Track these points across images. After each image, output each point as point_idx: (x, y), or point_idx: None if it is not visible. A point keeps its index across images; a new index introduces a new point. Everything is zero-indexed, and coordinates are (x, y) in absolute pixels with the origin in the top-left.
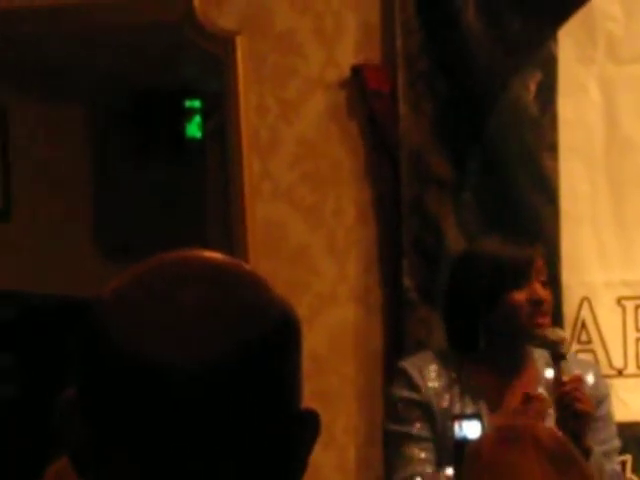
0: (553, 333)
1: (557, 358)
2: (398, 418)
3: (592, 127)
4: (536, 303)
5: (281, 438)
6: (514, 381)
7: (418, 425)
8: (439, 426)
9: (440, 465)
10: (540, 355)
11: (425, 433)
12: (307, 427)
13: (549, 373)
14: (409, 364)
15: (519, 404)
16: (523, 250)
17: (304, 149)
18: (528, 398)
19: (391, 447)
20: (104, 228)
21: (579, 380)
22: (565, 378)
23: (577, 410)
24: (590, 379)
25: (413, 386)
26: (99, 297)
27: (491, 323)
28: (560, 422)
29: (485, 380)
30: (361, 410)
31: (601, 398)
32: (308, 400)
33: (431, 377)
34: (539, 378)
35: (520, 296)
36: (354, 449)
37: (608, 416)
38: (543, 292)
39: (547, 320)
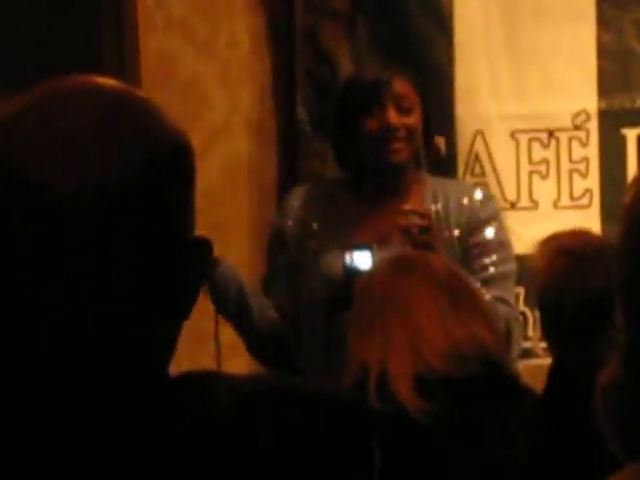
0: None
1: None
2: (267, 247)
3: None
4: (387, 129)
5: (172, 263)
6: (383, 209)
7: (276, 255)
8: (292, 253)
9: (295, 293)
10: (439, 188)
11: (277, 264)
12: (199, 254)
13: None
14: (290, 192)
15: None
16: (376, 75)
17: None
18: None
19: None
20: None
21: (409, 212)
22: (407, 207)
23: (415, 240)
24: (467, 200)
25: (279, 214)
26: None
27: (353, 149)
28: None
29: (355, 206)
30: (253, 242)
31: (480, 223)
32: (201, 232)
33: (299, 204)
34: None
35: (371, 122)
36: None
37: (491, 242)
38: (397, 118)
39: (400, 145)
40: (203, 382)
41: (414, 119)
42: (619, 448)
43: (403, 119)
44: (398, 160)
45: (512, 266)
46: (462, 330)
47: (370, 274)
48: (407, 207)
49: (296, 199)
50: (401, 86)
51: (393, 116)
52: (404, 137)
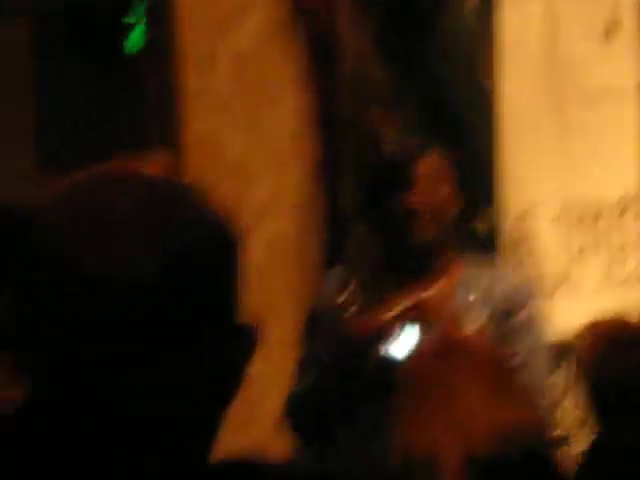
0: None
1: None
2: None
3: (532, 44)
4: (409, 210)
5: (215, 351)
6: (414, 292)
7: (308, 344)
8: (326, 335)
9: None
10: (475, 271)
11: (308, 352)
12: (243, 341)
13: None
14: (326, 275)
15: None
16: (402, 155)
17: (243, 63)
18: None
19: None
20: (44, 141)
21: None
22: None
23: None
24: (503, 284)
25: (314, 298)
26: (37, 207)
27: (385, 229)
28: None
29: (391, 286)
30: (298, 323)
31: (515, 306)
32: (247, 310)
33: (335, 286)
34: (442, 294)
35: (396, 203)
36: (292, 362)
37: (525, 326)
38: (421, 198)
39: (424, 225)
40: (248, 471)
41: (441, 198)
42: None
43: (427, 198)
44: (422, 239)
45: (545, 351)
46: (507, 413)
47: (413, 358)
48: (426, 295)
49: (332, 281)
50: (427, 166)
51: (416, 196)
52: (428, 217)
